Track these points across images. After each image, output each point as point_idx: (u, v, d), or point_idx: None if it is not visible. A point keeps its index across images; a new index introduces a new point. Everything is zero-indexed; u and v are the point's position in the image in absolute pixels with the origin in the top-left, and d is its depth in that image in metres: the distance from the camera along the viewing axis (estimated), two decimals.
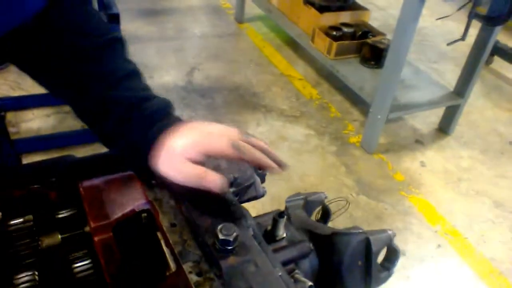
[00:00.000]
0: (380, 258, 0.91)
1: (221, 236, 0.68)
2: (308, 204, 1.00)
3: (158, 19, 4.37)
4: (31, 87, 3.08)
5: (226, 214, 0.76)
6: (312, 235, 0.90)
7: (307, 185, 2.63)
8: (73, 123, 2.91)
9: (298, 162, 2.81)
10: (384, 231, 0.88)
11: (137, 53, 3.62)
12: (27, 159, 2.50)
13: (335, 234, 0.87)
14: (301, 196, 1.00)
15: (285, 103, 3.42)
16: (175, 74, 3.56)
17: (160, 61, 3.70)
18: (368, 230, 0.87)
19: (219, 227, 0.69)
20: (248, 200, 0.95)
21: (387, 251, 0.92)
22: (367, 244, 0.86)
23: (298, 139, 3.06)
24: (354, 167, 2.87)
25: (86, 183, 0.79)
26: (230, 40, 4.27)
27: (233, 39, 4.29)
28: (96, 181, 0.80)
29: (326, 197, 1.02)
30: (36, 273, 0.74)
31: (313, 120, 3.26)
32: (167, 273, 0.75)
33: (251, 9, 4.50)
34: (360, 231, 0.87)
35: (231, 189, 0.89)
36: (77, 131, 2.83)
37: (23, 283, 0.72)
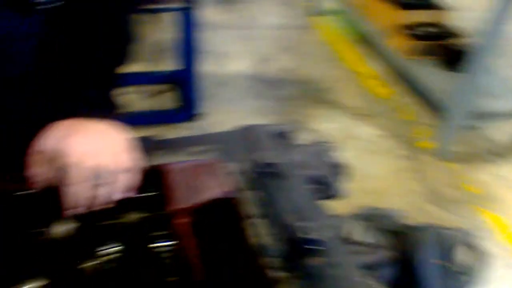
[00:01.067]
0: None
1: (306, 235, 0.66)
2: None
3: (233, 7, 4.40)
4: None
5: (310, 212, 0.73)
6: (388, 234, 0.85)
7: (373, 187, 2.55)
8: (146, 104, 3.00)
9: (365, 163, 2.73)
10: (459, 229, 0.82)
11: (210, 39, 3.65)
12: None
13: (408, 227, 0.83)
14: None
15: (354, 101, 3.33)
16: (245, 63, 3.57)
17: (232, 49, 3.72)
18: (442, 226, 0.82)
19: (305, 225, 0.67)
20: (325, 198, 0.93)
21: (468, 252, 0.86)
22: (442, 240, 0.81)
23: (366, 139, 2.97)
24: (424, 173, 2.75)
25: (169, 166, 0.80)
26: (301, 32, 4.21)
27: (304, 32, 4.23)
28: (179, 165, 0.80)
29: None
30: (120, 246, 0.76)
31: (383, 121, 3.15)
32: (245, 265, 0.74)
33: (325, 2, 4.42)
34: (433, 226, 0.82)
35: (313, 186, 0.86)
36: (149, 112, 2.92)
37: (107, 254, 0.74)
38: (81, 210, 0.72)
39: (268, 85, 3.35)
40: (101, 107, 0.81)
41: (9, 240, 0.71)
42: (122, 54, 0.91)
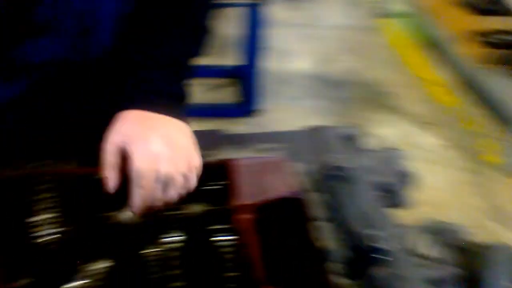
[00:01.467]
0: None
1: (372, 243, 0.64)
2: None
3: (299, 5, 4.37)
4: None
5: (377, 220, 0.71)
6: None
7: (431, 199, 2.45)
8: (208, 97, 3.05)
9: (426, 173, 2.62)
10: None
11: (274, 37, 3.65)
12: None
13: (476, 245, 0.78)
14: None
15: (417, 107, 3.22)
16: (307, 62, 3.54)
17: (294, 47, 3.70)
18: None
19: (373, 233, 0.64)
20: (391, 206, 0.90)
21: None
22: None
23: (427, 148, 2.86)
24: (490, 189, 2.61)
25: (236, 161, 0.80)
26: (365, 34, 4.12)
27: (368, 34, 4.14)
28: (246, 161, 0.80)
29: None
30: (182, 236, 0.77)
31: (447, 130, 3.02)
32: (308, 267, 0.73)
33: (393, 4, 4.29)
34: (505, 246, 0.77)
35: (379, 193, 0.84)
36: (210, 105, 2.96)
37: (169, 243, 0.75)
38: (147, 210, 0.71)
39: (329, 85, 3.31)
40: (172, 98, 0.80)
41: (80, 222, 0.74)
42: (198, 45, 0.90)
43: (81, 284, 0.70)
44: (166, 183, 0.69)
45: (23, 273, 0.73)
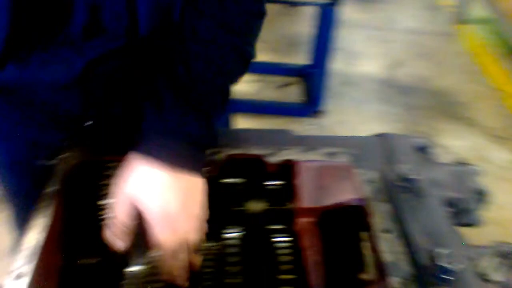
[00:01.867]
0: None
1: (440, 262, 0.61)
2: None
3: (371, 7, 4.27)
4: None
5: (444, 238, 0.68)
6: None
7: (502, 219, 2.31)
8: (271, 94, 3.06)
9: (498, 191, 2.48)
10: None
11: (344, 37, 3.59)
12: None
13: None
14: None
15: (493, 120, 3.04)
16: (377, 65, 3.45)
17: (365, 50, 3.62)
18: None
19: (439, 251, 0.61)
20: (463, 225, 0.85)
21: None
22: None
23: (499, 164, 2.70)
24: None
25: (303, 164, 0.79)
26: (442, 40, 3.95)
27: (445, 40, 3.96)
28: (313, 164, 0.79)
29: None
30: (242, 232, 0.78)
31: None
32: (364, 279, 0.71)
33: (473, 9, 4.07)
34: None
35: (449, 209, 0.80)
36: (273, 102, 2.97)
37: (230, 238, 0.76)
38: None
39: (397, 91, 3.21)
40: (195, 146, 0.70)
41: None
42: (240, 73, 0.81)
43: (142, 268, 0.72)
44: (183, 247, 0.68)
45: (92, 252, 0.77)
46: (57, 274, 0.70)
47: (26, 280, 0.57)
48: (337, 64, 3.27)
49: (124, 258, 0.76)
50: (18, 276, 0.58)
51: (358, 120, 2.89)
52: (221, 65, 0.74)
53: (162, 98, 0.69)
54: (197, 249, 0.70)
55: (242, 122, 2.74)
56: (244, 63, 0.79)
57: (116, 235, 0.68)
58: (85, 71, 0.75)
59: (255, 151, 0.81)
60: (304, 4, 2.57)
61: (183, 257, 0.67)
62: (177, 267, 0.68)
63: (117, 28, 0.74)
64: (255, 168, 0.82)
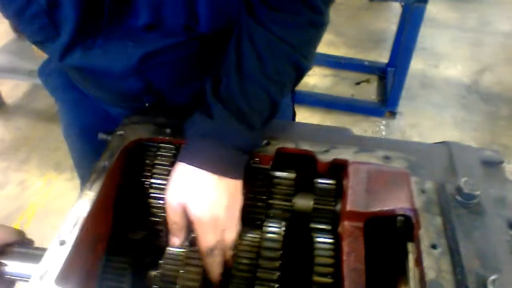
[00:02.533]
0: None
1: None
2: None
3: (462, 6, 4.01)
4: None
5: (500, 262, 0.62)
6: None
7: None
8: (345, 90, 2.98)
9: None
10: None
11: (428, 37, 3.42)
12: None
13: None
14: None
15: None
16: (462, 70, 3.24)
17: (451, 52, 3.41)
18: None
19: (492, 278, 0.56)
20: None
21: None
22: None
23: None
24: None
25: (357, 165, 0.76)
26: None
27: None
28: (367, 166, 0.75)
29: None
30: (284, 227, 0.76)
31: None
32: None
33: None
34: None
35: (511, 232, 0.73)
36: (346, 98, 2.90)
37: (271, 232, 0.75)
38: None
39: (480, 98, 3.00)
40: (240, 153, 0.72)
41: None
42: (292, 85, 0.81)
43: (181, 251, 0.74)
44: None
45: (139, 228, 0.80)
46: (103, 244, 0.73)
47: (68, 247, 0.60)
48: (418, 65, 3.12)
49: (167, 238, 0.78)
50: (62, 243, 0.61)
51: (432, 125, 2.74)
52: (272, 74, 0.74)
53: (210, 103, 0.72)
54: (231, 247, 0.72)
55: (311, 116, 2.74)
56: (297, 74, 0.79)
57: (171, 233, 0.73)
58: (142, 62, 0.78)
59: (307, 147, 0.79)
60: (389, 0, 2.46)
61: (218, 254, 0.70)
62: (211, 263, 0.70)
63: (176, 25, 0.76)
64: (305, 164, 0.80)
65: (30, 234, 0.73)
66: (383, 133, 2.67)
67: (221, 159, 0.69)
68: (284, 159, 0.81)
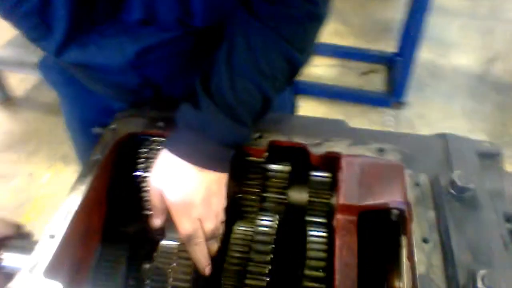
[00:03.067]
0: None
1: (486, 285, 0.55)
2: None
3: None
4: (324, 35, 3.23)
5: (494, 257, 0.61)
6: None
7: None
8: (351, 80, 2.95)
9: None
10: None
11: (438, 25, 3.36)
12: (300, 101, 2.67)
13: None
14: None
15: None
16: (472, 58, 3.18)
17: (461, 40, 3.35)
18: None
19: (482, 273, 0.55)
20: None
21: None
22: None
23: None
24: None
25: (349, 157, 0.75)
26: None
27: None
28: (360, 159, 0.75)
29: None
30: (277, 221, 0.76)
31: None
32: (395, 287, 0.67)
33: None
34: None
35: (507, 225, 0.72)
36: (353, 89, 2.87)
37: (264, 225, 0.75)
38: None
39: (490, 88, 2.94)
40: (227, 147, 0.72)
41: None
42: (286, 81, 0.79)
43: (174, 244, 0.74)
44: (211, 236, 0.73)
45: (132, 222, 0.80)
46: (97, 237, 0.74)
47: (57, 240, 0.61)
48: (426, 54, 3.07)
49: (161, 232, 0.78)
50: (51, 236, 0.61)
51: (440, 116, 2.70)
52: (264, 68, 0.73)
53: (199, 96, 0.71)
54: (213, 237, 0.73)
55: (317, 107, 2.72)
56: (291, 69, 0.77)
57: (152, 214, 0.74)
58: (138, 58, 0.78)
59: (300, 139, 0.78)
60: None
61: (198, 243, 0.70)
62: (192, 252, 0.71)
63: (170, 19, 0.75)
64: (298, 156, 0.80)
65: (37, 226, 0.74)
66: (391, 123, 2.65)
67: (203, 152, 0.69)
68: (278, 152, 0.80)
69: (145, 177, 0.76)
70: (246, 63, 0.72)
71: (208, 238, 0.72)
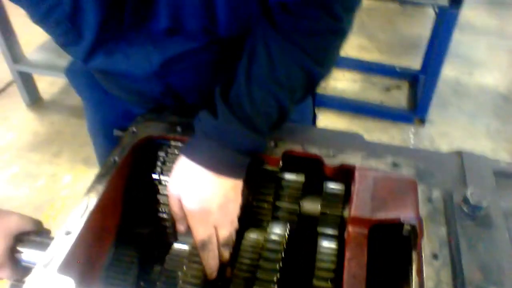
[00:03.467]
0: None
1: None
2: None
3: (503, 12, 3.88)
4: (349, 49, 3.23)
5: (503, 276, 0.60)
6: None
7: None
8: (374, 95, 2.94)
9: None
10: None
11: (465, 43, 3.33)
12: (321, 114, 2.67)
13: None
14: None
15: None
16: (499, 78, 3.14)
17: (487, 59, 3.31)
18: None
19: None
20: None
21: None
22: None
23: None
24: None
25: (364, 170, 0.75)
26: None
27: None
28: (374, 172, 0.75)
29: None
30: (288, 230, 0.76)
31: None
32: None
33: None
34: None
35: None
36: (375, 104, 2.86)
37: (275, 234, 0.75)
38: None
39: None
40: (244, 156, 0.73)
41: None
42: (305, 93, 0.80)
43: (187, 248, 0.75)
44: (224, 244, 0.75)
45: (147, 223, 0.82)
46: (111, 237, 0.75)
47: (73, 237, 0.63)
48: (451, 72, 3.05)
49: (175, 234, 0.80)
50: (67, 233, 0.63)
51: (463, 135, 2.66)
52: (282, 80, 0.74)
53: (217, 104, 0.73)
54: (227, 244, 0.74)
55: (338, 121, 2.72)
56: (309, 81, 0.78)
57: (176, 220, 0.76)
58: (163, 67, 0.80)
59: (315, 150, 0.79)
60: (420, 4, 2.40)
61: (212, 249, 0.72)
62: (204, 257, 0.72)
63: (195, 28, 0.77)
64: (312, 167, 0.80)
65: (57, 226, 0.75)
66: (412, 141, 2.62)
67: (220, 159, 0.71)
68: (292, 161, 0.81)
69: (160, 180, 0.78)
70: (265, 74, 0.74)
71: (222, 244, 0.73)
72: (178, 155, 0.79)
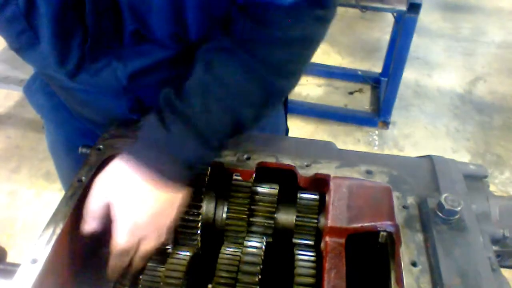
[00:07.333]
0: None
1: None
2: None
3: (456, 16, 4.02)
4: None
5: (481, 280, 0.61)
6: None
7: None
8: (338, 99, 2.98)
9: None
10: None
11: (422, 46, 3.43)
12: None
13: None
14: None
15: None
16: (455, 79, 3.24)
17: (444, 61, 3.42)
18: None
19: None
20: (507, 267, 0.77)
21: None
22: None
23: None
24: None
25: (338, 179, 0.75)
26: None
27: None
28: (349, 181, 0.74)
29: None
30: (265, 242, 0.75)
31: None
32: None
33: None
34: None
35: (494, 248, 0.72)
36: (340, 108, 2.89)
37: (251, 247, 0.74)
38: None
39: (473, 108, 2.99)
40: (187, 168, 0.68)
41: None
42: (264, 107, 0.76)
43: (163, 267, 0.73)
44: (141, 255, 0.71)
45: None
46: (80, 260, 0.72)
47: (39, 265, 0.59)
48: (411, 74, 3.13)
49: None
50: (34, 260, 0.60)
51: (425, 135, 2.73)
52: (240, 96, 0.70)
53: (167, 114, 0.67)
54: (144, 257, 0.70)
55: (304, 126, 2.73)
56: (267, 94, 0.73)
57: (85, 218, 0.69)
58: (131, 81, 0.77)
59: (288, 161, 0.78)
60: (380, 10, 2.45)
61: (126, 260, 0.68)
62: (115, 262, 0.68)
63: (165, 32, 0.72)
64: (286, 178, 0.79)
65: (18, 245, 0.71)
66: (376, 143, 2.67)
67: (161, 171, 0.65)
68: (266, 173, 0.80)
69: None
70: (221, 90, 0.70)
71: (140, 257, 0.70)
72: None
